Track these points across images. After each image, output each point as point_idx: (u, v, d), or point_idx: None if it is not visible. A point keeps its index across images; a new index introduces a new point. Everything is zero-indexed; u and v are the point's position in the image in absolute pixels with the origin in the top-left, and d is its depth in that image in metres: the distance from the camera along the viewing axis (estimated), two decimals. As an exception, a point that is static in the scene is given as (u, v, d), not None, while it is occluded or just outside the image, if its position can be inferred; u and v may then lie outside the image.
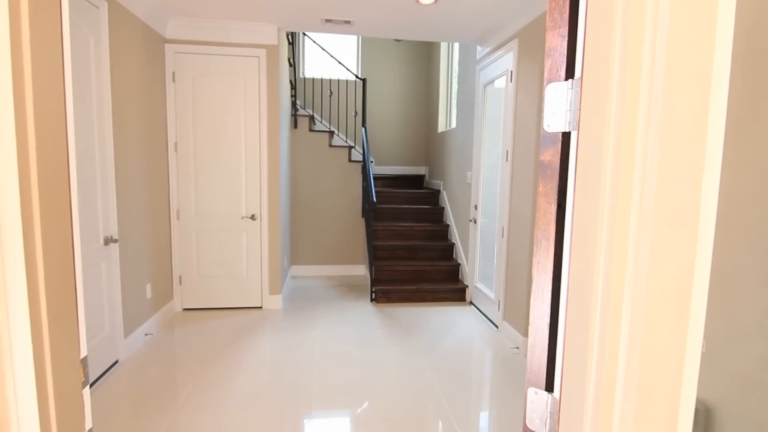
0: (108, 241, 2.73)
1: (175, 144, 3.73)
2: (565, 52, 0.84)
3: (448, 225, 4.97)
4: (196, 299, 3.92)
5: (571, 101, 0.82)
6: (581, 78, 0.78)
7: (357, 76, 5.09)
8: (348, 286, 4.82)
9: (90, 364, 2.61)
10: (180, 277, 3.87)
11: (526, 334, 3.16)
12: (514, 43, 3.27)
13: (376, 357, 3.06)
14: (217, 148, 3.79)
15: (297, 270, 5.22)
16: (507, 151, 3.42)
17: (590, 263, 0.73)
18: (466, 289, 4.35)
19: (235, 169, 3.84)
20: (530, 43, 3.06)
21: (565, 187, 0.91)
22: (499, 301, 3.58)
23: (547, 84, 0.86)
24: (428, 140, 6.09)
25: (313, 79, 5.45)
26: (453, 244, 4.77)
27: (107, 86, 2.72)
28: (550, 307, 0.87)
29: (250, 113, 3.81)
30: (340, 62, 5.05)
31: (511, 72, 3.34)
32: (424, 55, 6.10)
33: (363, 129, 5.06)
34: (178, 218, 3.80)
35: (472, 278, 4.23)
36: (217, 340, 3.28)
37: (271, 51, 3.77)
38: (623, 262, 0.68)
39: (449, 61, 5.46)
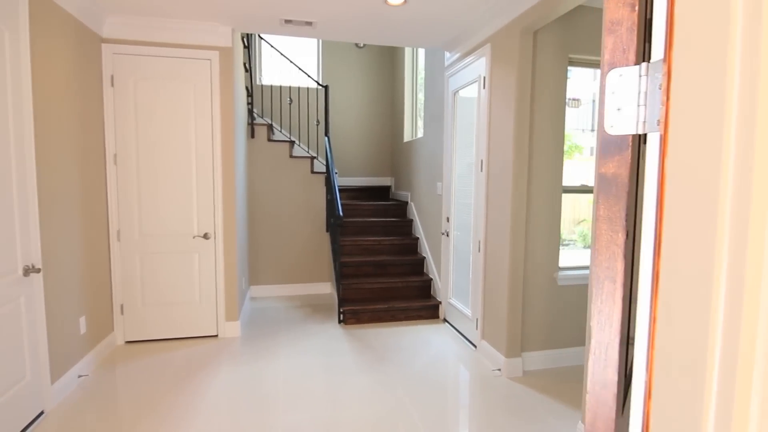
0: (28, 271, 2.29)
1: (115, 156, 3.31)
2: (635, 27, 0.62)
3: (418, 238, 4.76)
4: (142, 330, 3.48)
5: (646, 92, 0.60)
6: (668, 58, 0.55)
7: (318, 83, 4.82)
8: (313, 307, 4.49)
9: (5, 420, 2.16)
10: (122, 306, 3.42)
11: (508, 354, 2.96)
12: (487, 48, 3.12)
13: (349, 390, 2.76)
14: (163, 160, 3.40)
15: (257, 291, 4.84)
16: (482, 161, 3.25)
17: (697, 333, 0.50)
18: (439, 306, 4.14)
19: (184, 183, 3.46)
20: (504, 49, 2.92)
21: (635, 209, 0.69)
22: (476, 319, 3.38)
23: (609, 70, 0.63)
24: (393, 150, 5.89)
25: (271, 86, 5.13)
26: (423, 258, 4.56)
27: (27, 87, 2.31)
28: (617, 373, 0.64)
29: (201, 121, 3.45)
30: (300, 68, 4.77)
31: (484, 78, 3.18)
32: (387, 62, 5.92)
33: (326, 138, 4.78)
34: (118, 239, 3.37)
35: (446, 294, 4.03)
36: (165, 378, 2.87)
37: (225, 54, 3.44)
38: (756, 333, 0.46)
39: (414, 68, 5.30)
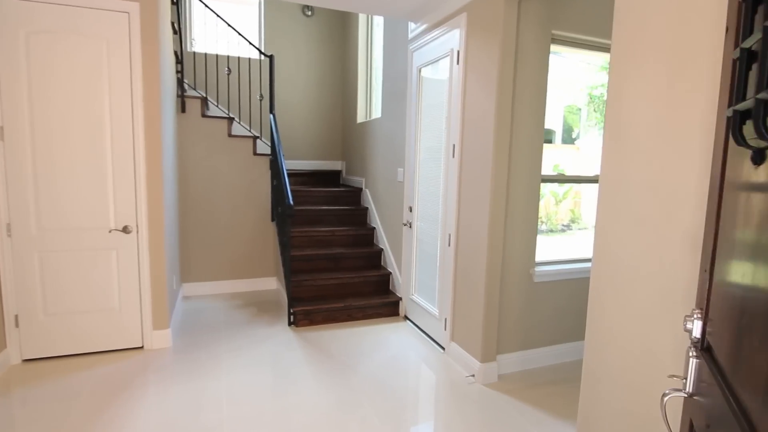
0: None
1: (1, 129, 2.59)
2: None
3: (374, 228, 4.39)
4: (44, 346, 2.83)
5: None
6: None
7: (262, 52, 4.23)
8: (258, 305, 4.00)
9: None
10: (16, 317, 2.74)
11: (484, 359, 2.70)
12: (462, 19, 2.77)
13: (308, 412, 2.36)
14: (68, 136, 2.73)
15: (191, 288, 4.24)
16: (454, 145, 2.92)
17: None
18: (400, 302, 3.82)
19: (97, 165, 2.81)
20: (484, 19, 2.58)
21: None
22: (445, 319, 3.09)
23: None
24: (345, 132, 5.43)
25: (205, 54, 4.46)
26: (381, 250, 4.20)
27: None
28: None
29: (118, 89, 2.80)
30: (239, 33, 4.14)
31: (458, 52, 2.83)
32: (338, 33, 5.40)
33: (271, 116, 4.23)
34: (9, 235, 2.67)
35: (408, 290, 3.71)
36: (75, 405, 2.30)
37: (148, 7, 2.80)
38: None
39: (368, 41, 4.84)
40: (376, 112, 4.67)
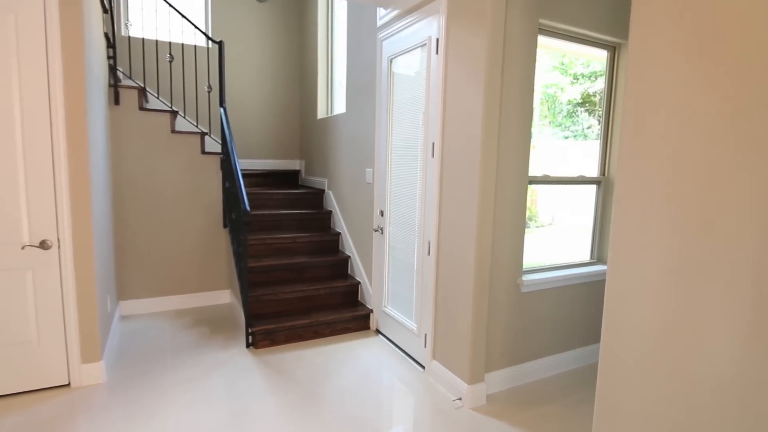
0: None
1: None
2: None
3: (339, 233, 4.04)
4: (-65, 392, 2.26)
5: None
6: None
7: (210, 38, 3.76)
8: (210, 323, 3.54)
9: None
10: None
11: (471, 380, 2.44)
12: (441, 3, 2.49)
13: (276, 457, 1.99)
14: (-37, 129, 2.19)
15: (130, 307, 3.71)
16: (433, 143, 2.64)
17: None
18: (371, 315, 3.50)
19: (3, 170, 2.28)
20: (468, 3, 2.31)
21: None
22: (425, 335, 2.81)
23: None
24: (303, 128, 5.03)
25: (143, 39, 3.91)
26: (348, 258, 3.86)
27: None
28: None
29: (30, 76, 2.29)
30: (183, 15, 3.65)
31: (437, 41, 2.55)
32: (295, 21, 4.98)
33: (221, 110, 3.77)
34: None
35: (379, 301, 3.40)
36: (-28, 480, 1.81)
37: (67, -27, 2.30)
38: None
39: (328, 29, 4.48)
40: (340, 107, 4.32)
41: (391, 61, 3.09)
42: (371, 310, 3.50)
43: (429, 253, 2.73)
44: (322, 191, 4.39)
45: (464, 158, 2.38)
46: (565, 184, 2.87)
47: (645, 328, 1.55)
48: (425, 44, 2.69)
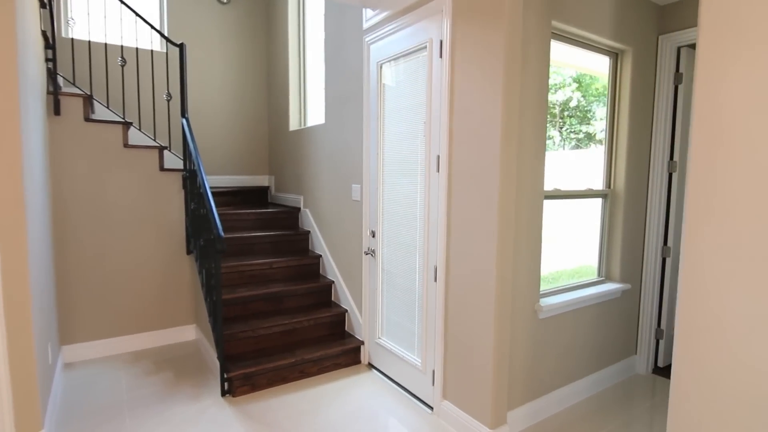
0: None
1: None
2: None
3: (320, 256, 3.66)
4: None
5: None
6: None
7: (169, 40, 3.32)
8: (175, 367, 3.05)
9: None
10: None
11: (492, 423, 2.15)
12: (443, 2, 2.24)
13: None
14: None
15: (75, 352, 3.14)
16: (438, 157, 2.37)
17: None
18: (362, 347, 3.15)
19: None
20: (478, 0, 2.07)
21: None
22: (433, 372, 2.50)
23: None
24: (273, 141, 4.63)
25: (89, 42, 3.41)
26: (331, 283, 3.50)
27: None
28: None
29: (-58, 74, 1.80)
30: (136, 12, 3.19)
31: (441, 42, 2.29)
32: (261, 25, 4.60)
33: (183, 121, 3.33)
34: None
35: (372, 332, 3.06)
36: None
37: (-7, -49, 1.85)
38: None
39: (300, 33, 4.14)
40: (316, 118, 3.98)
41: (381, 67, 2.81)
42: (362, 342, 3.14)
43: (435, 279, 2.43)
44: (298, 210, 4.01)
45: (480, 172, 2.12)
46: (574, 198, 2.68)
47: (729, 334, 1.32)
48: (425, 47, 2.42)
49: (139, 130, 3.47)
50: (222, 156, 4.47)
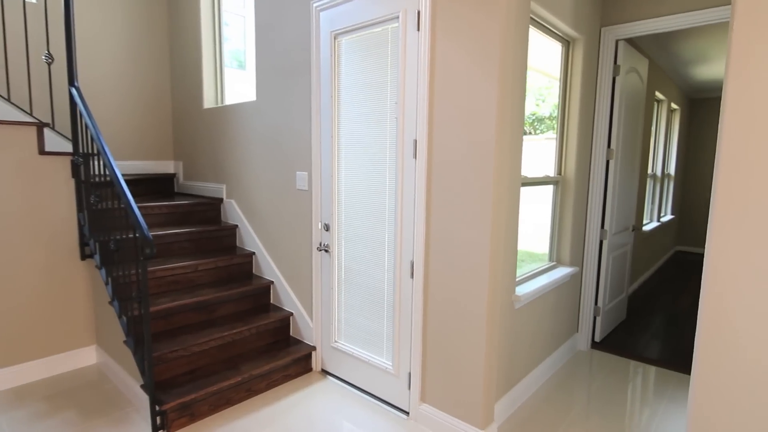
0: None
1: None
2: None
3: (253, 253, 3.21)
4: None
5: None
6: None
7: (45, -16, 2.53)
8: (75, 402, 2.41)
9: None
10: None
11: (483, 423, 2.05)
12: (422, -33, 2.00)
13: None
14: None
15: None
16: (416, 142, 2.15)
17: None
18: (313, 353, 2.83)
19: None
20: (469, -33, 1.88)
21: None
22: (409, 374, 2.31)
23: None
24: (179, 121, 3.94)
25: None
26: (270, 284, 3.08)
27: None
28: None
29: None
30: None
31: (419, 14, 2.06)
32: (159, -16, 3.84)
33: (73, 90, 2.61)
34: None
35: (328, 335, 2.76)
36: None
37: None
38: None
39: (216, -2, 3.53)
40: (242, 95, 3.45)
41: (335, 38, 2.47)
42: (314, 348, 2.83)
43: (412, 276, 2.23)
44: (220, 201, 3.46)
45: (470, 160, 1.96)
46: (536, 185, 2.68)
47: (755, 351, 1.36)
48: (396, 17, 2.16)
49: (8, 101, 2.63)
50: (115, 137, 3.67)
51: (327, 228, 2.66)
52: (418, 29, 2.07)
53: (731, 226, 1.38)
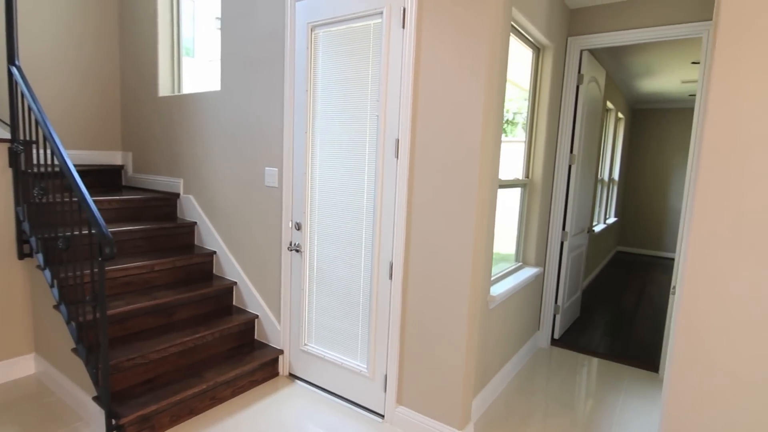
0: None
1: None
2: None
3: (214, 252, 3.04)
4: None
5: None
6: None
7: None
8: (13, 417, 2.16)
9: None
10: None
11: (461, 424, 2.06)
12: (409, -37, 1.97)
13: None
14: None
15: None
16: (397, 141, 2.11)
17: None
18: (280, 357, 2.72)
19: None
20: (458, -33, 1.87)
21: None
22: (385, 376, 2.28)
23: None
24: (129, 109, 3.64)
25: None
26: (233, 285, 2.93)
27: None
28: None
29: None
30: None
31: (404, 11, 2.02)
32: (108, -42, 3.52)
33: (14, 70, 2.33)
34: None
35: (297, 338, 2.66)
36: None
37: None
38: None
39: (175, -21, 3.30)
40: (204, 84, 3.24)
41: (312, 30, 2.38)
42: (281, 351, 2.72)
43: (391, 277, 2.20)
44: (176, 196, 3.24)
45: (455, 160, 1.95)
46: (508, 187, 2.73)
47: (730, 380, 1.45)
48: (380, 13, 2.11)
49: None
50: (55, 123, 3.33)
51: (299, 227, 2.56)
52: (403, 26, 2.04)
53: (707, 231, 1.46)
